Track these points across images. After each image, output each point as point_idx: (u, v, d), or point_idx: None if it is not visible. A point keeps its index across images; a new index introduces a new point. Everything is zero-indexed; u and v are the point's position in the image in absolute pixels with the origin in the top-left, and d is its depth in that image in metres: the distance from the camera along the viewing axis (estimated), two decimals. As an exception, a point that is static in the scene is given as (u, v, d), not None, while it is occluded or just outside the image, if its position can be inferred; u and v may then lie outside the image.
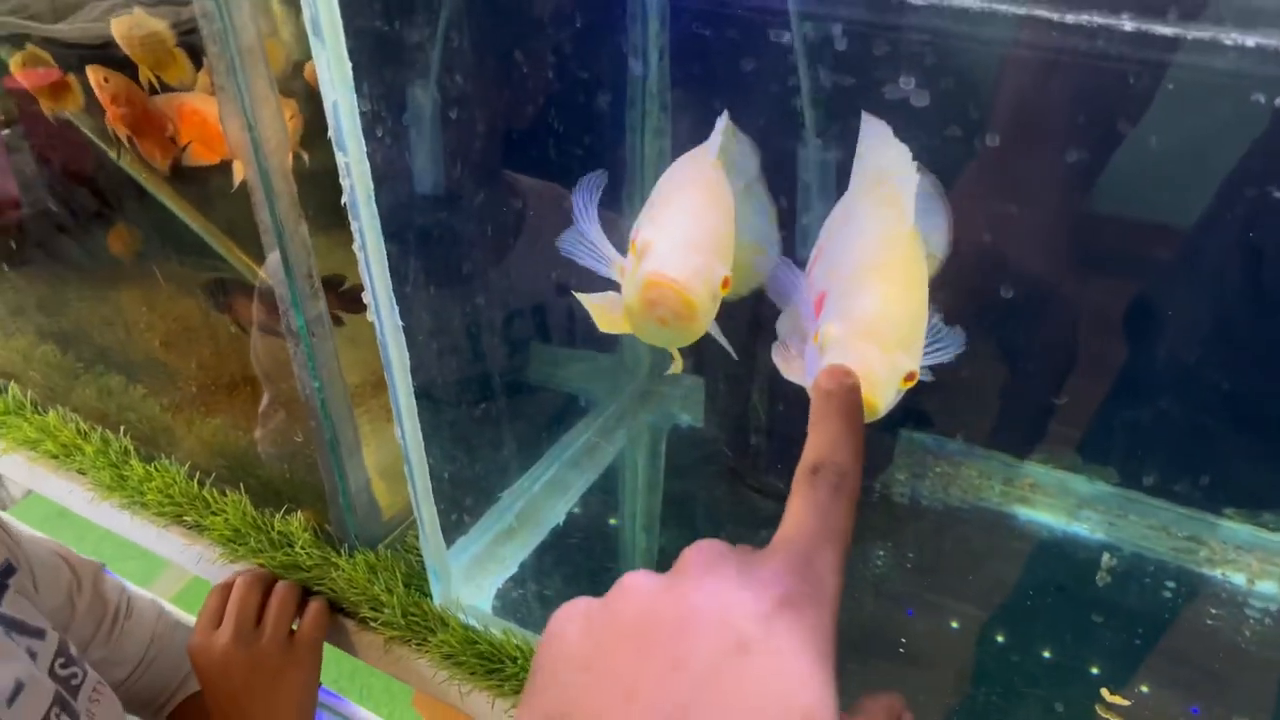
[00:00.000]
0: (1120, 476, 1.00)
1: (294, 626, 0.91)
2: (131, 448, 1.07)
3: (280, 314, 0.82)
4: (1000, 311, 0.86)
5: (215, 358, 1.12)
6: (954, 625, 0.94)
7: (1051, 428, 1.00)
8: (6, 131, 1.25)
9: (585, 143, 0.94)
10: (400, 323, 0.74)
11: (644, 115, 0.99)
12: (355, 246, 0.71)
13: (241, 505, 0.99)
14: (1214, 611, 0.92)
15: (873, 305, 0.52)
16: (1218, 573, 0.95)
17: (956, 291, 0.62)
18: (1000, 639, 0.93)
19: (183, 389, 1.12)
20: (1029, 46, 0.65)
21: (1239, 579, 0.94)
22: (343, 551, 0.94)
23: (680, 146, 1.01)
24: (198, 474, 1.03)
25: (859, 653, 0.93)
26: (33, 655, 0.76)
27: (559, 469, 1.05)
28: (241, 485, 1.00)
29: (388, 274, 0.72)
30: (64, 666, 0.78)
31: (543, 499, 1.01)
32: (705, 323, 0.61)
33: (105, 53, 1.04)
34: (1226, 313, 0.87)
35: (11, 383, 1.15)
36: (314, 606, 0.90)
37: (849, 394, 0.43)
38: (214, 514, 0.99)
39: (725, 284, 0.60)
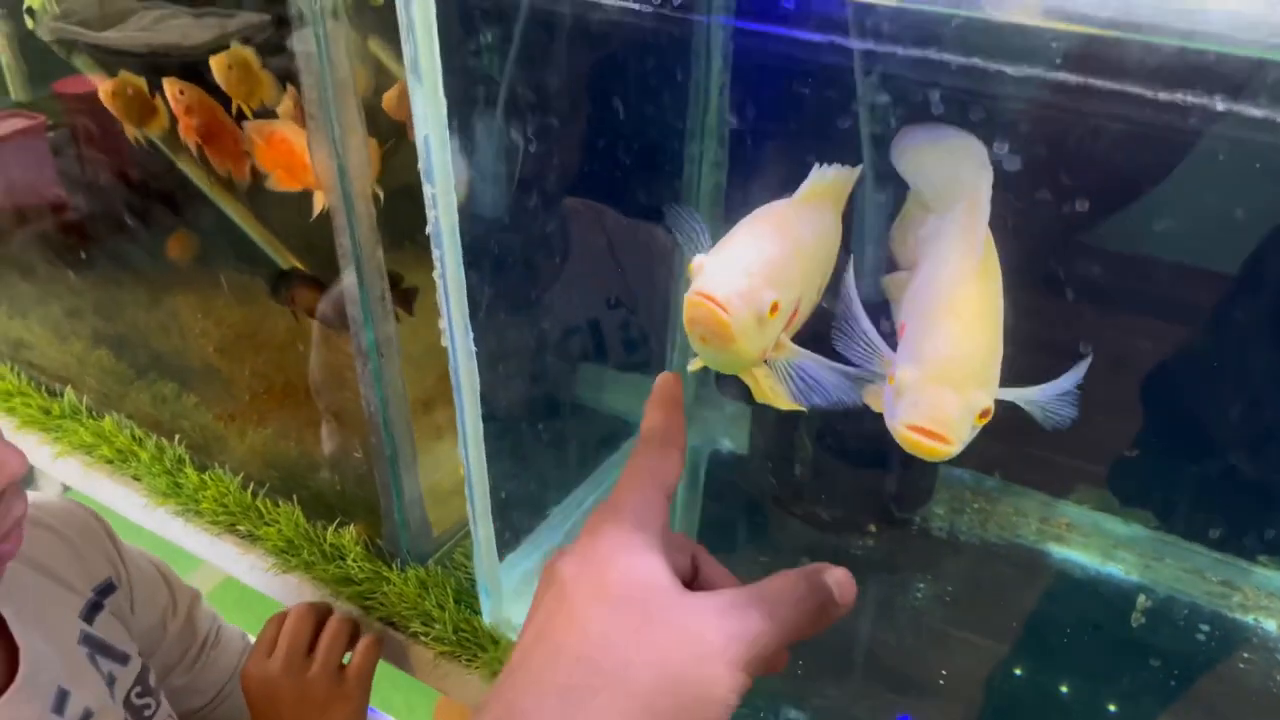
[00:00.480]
0: (1156, 519, 1.02)
1: (345, 660, 0.93)
2: (185, 456, 1.09)
3: (351, 333, 0.84)
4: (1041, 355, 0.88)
5: (269, 366, 1.15)
6: (989, 659, 0.96)
7: (1088, 469, 1.02)
8: (52, 134, 1.28)
9: (647, 174, 0.97)
10: (474, 348, 0.76)
11: (703, 148, 1.02)
12: (436, 274, 0.73)
13: (294, 516, 1.01)
14: (1246, 656, 0.94)
15: (944, 346, 0.53)
16: (1250, 618, 0.97)
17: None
18: (1034, 675, 0.94)
19: (236, 397, 1.14)
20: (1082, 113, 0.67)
21: (1270, 625, 0.96)
22: (394, 566, 0.96)
23: (735, 179, 1.04)
24: (251, 484, 1.05)
25: (896, 681, 0.95)
26: (111, 680, 0.77)
27: (607, 488, 1.06)
28: (295, 497, 1.02)
29: (465, 301, 0.74)
30: (140, 696, 0.79)
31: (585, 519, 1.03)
32: (750, 345, 0.62)
33: (154, 60, 1.07)
34: (1265, 363, 0.88)
35: (68, 387, 1.17)
36: (365, 640, 0.92)
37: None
38: (267, 524, 1.01)
39: (774, 309, 0.61)
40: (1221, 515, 0.97)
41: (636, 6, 0.73)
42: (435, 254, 0.73)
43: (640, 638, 0.41)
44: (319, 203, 0.78)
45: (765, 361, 0.66)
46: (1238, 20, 0.42)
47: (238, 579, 1.04)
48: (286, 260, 1.05)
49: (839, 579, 0.46)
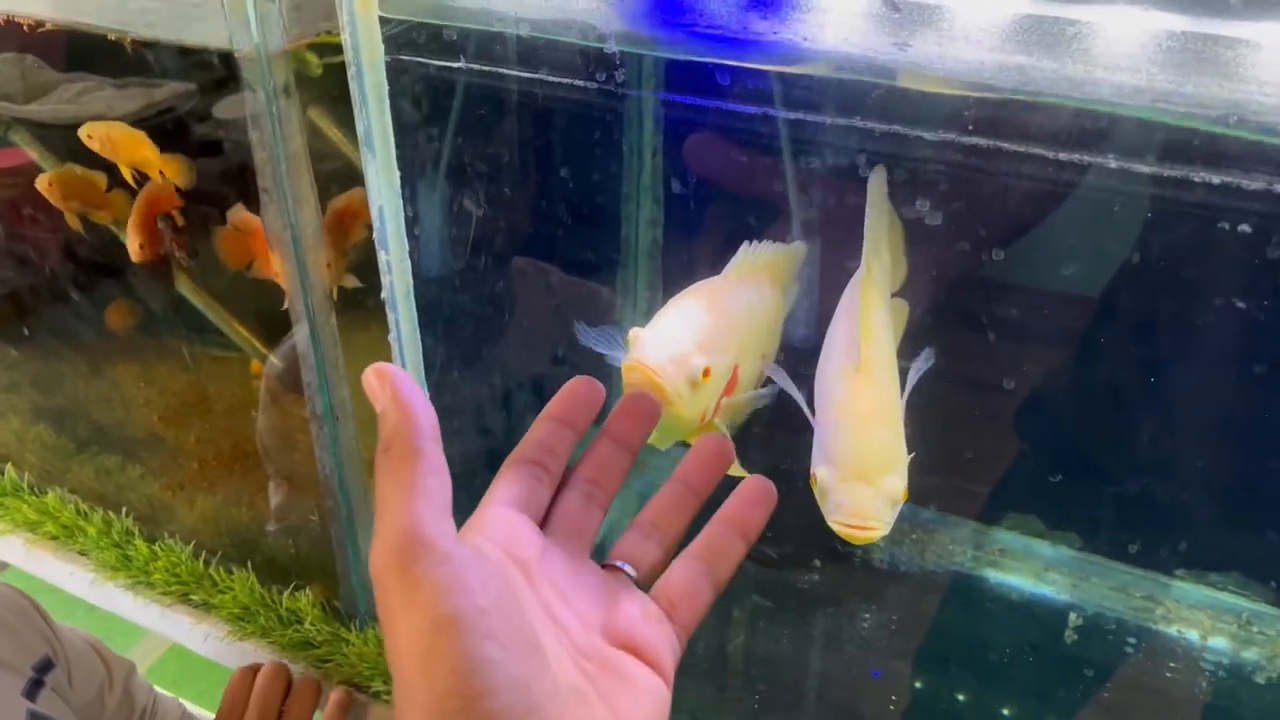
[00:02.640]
0: (1081, 541, 1.08)
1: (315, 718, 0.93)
2: (134, 528, 1.08)
3: (306, 397, 0.86)
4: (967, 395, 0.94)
5: (216, 432, 1.15)
6: (935, 682, 1.00)
7: (1015, 497, 1.08)
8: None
9: (589, 232, 1.01)
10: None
11: (639, 208, 1.06)
12: (391, 337, 0.76)
13: (249, 583, 1.01)
14: (1172, 666, 0.99)
15: (849, 444, 0.57)
16: (1174, 630, 1.02)
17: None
18: (979, 696, 0.99)
19: (184, 465, 1.14)
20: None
21: (1193, 635, 1.02)
22: (353, 627, 0.97)
23: (671, 235, 1.09)
24: (203, 553, 1.05)
25: (848, 709, 0.98)
26: None
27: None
28: (248, 562, 1.03)
29: (421, 363, 0.77)
30: None
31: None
32: (686, 408, 0.65)
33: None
34: (1168, 390, 0.95)
35: (8, 464, 1.16)
36: (334, 698, 0.92)
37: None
38: (221, 592, 1.01)
39: (706, 373, 0.65)
40: (1139, 533, 1.03)
41: (579, 82, 0.78)
42: (391, 317, 0.75)
43: None
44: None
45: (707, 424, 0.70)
46: (1122, 89, 0.47)
47: (186, 649, 1.04)
48: (236, 331, 1.07)
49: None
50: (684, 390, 0.64)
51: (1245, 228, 0.55)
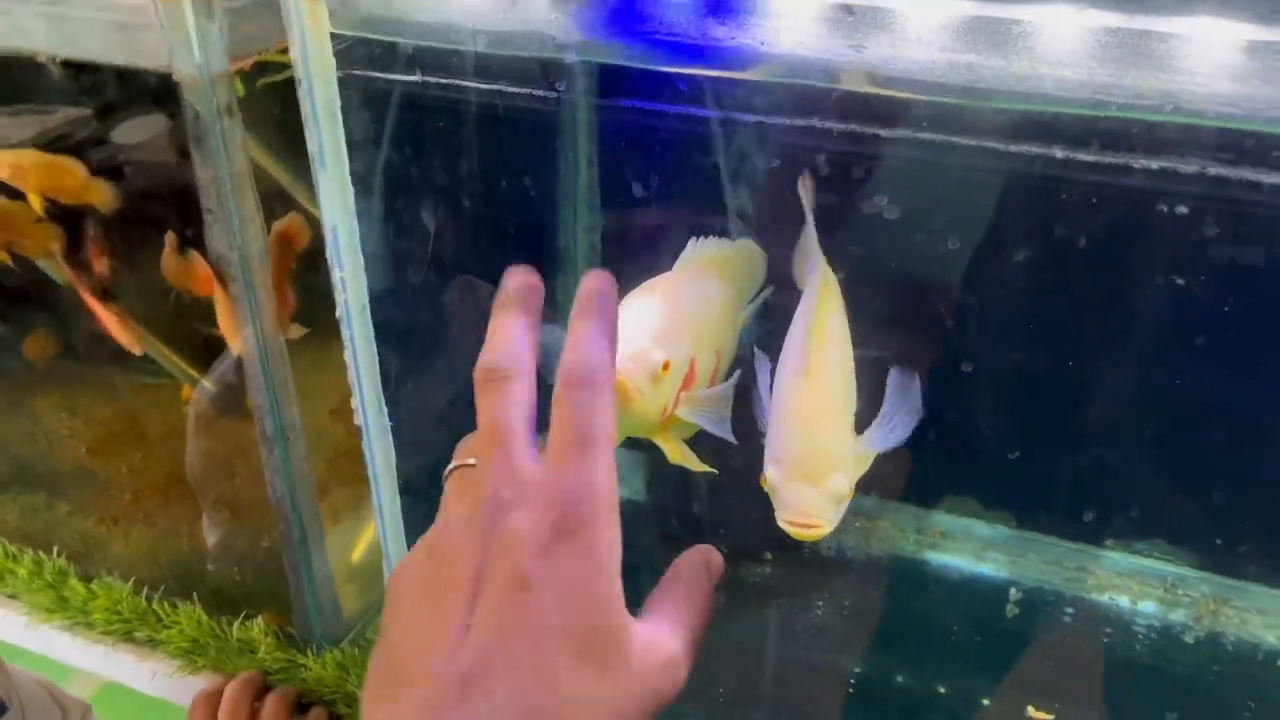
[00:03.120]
0: (1016, 520, 1.12)
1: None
2: (68, 567, 1.05)
3: (256, 420, 0.84)
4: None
5: (149, 461, 1.12)
6: (890, 662, 1.03)
7: (952, 480, 1.12)
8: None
9: (527, 240, 1.02)
10: (389, 423, 0.79)
11: (577, 214, 1.07)
12: (346, 354, 0.76)
13: (196, 615, 0.99)
14: (1109, 631, 1.04)
15: (795, 446, 0.60)
16: (1106, 597, 1.08)
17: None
18: (933, 672, 1.02)
19: (116, 498, 1.11)
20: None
21: (1124, 601, 1.07)
22: (309, 652, 0.95)
23: (609, 241, 1.10)
24: (144, 588, 1.02)
25: (809, 695, 1.01)
26: None
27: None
28: (194, 594, 1.00)
29: (378, 379, 0.76)
30: None
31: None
32: (647, 403, 0.67)
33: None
34: (1093, 373, 1.00)
35: (-75, 510, 1.11)
36: (314, 714, 0.90)
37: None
38: (167, 627, 0.98)
39: (666, 366, 0.66)
40: (1069, 509, 1.09)
41: (510, 89, 0.78)
42: (345, 334, 0.75)
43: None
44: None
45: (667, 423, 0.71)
46: (1065, 83, 0.50)
47: (123, 687, 1.00)
48: (165, 356, 1.04)
49: (701, 563, 0.46)
50: (645, 385, 0.65)
51: (1166, 208, 0.59)
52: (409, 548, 0.85)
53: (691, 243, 0.75)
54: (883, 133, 0.56)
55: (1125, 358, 0.97)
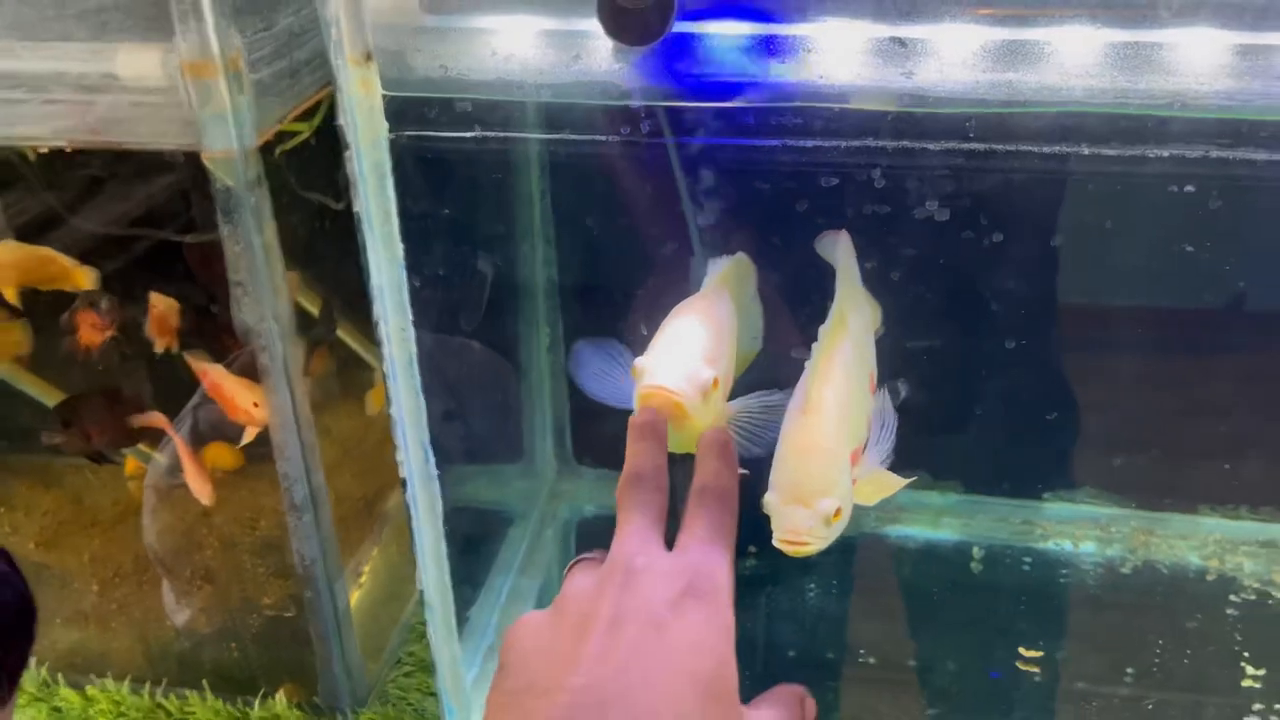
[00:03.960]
0: (964, 486, 1.23)
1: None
2: (48, 676, 0.98)
3: (284, 491, 0.83)
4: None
5: (111, 545, 1.07)
6: (881, 630, 1.11)
7: (903, 456, 1.21)
8: None
9: (486, 273, 1.04)
10: (435, 471, 0.79)
11: (534, 249, 1.10)
12: (391, 410, 0.76)
13: (210, 703, 0.95)
14: (1064, 573, 1.16)
15: (788, 474, 0.65)
16: (1053, 544, 1.19)
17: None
18: (921, 632, 1.10)
19: (81, 592, 1.05)
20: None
21: (1068, 545, 1.19)
22: (340, 718, 0.94)
23: (565, 271, 1.14)
24: (145, 683, 0.97)
25: (818, 669, 1.07)
26: None
27: (514, 578, 1.10)
28: (203, 681, 0.97)
29: (426, 431, 0.77)
30: None
31: (510, 609, 1.06)
32: (701, 419, 0.72)
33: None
34: (1017, 344, 1.11)
35: None
36: None
37: (718, 443, 0.54)
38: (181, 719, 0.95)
39: (715, 384, 0.71)
40: (1008, 469, 1.20)
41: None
42: (390, 388, 0.75)
43: None
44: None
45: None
46: (1092, 90, 0.59)
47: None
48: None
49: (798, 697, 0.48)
50: (698, 404, 0.69)
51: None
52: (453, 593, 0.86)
53: (712, 262, 0.80)
54: (932, 146, 0.63)
55: (1042, 330, 1.09)
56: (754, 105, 0.64)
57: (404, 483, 0.80)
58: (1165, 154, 0.60)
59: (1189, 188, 0.64)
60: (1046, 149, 0.60)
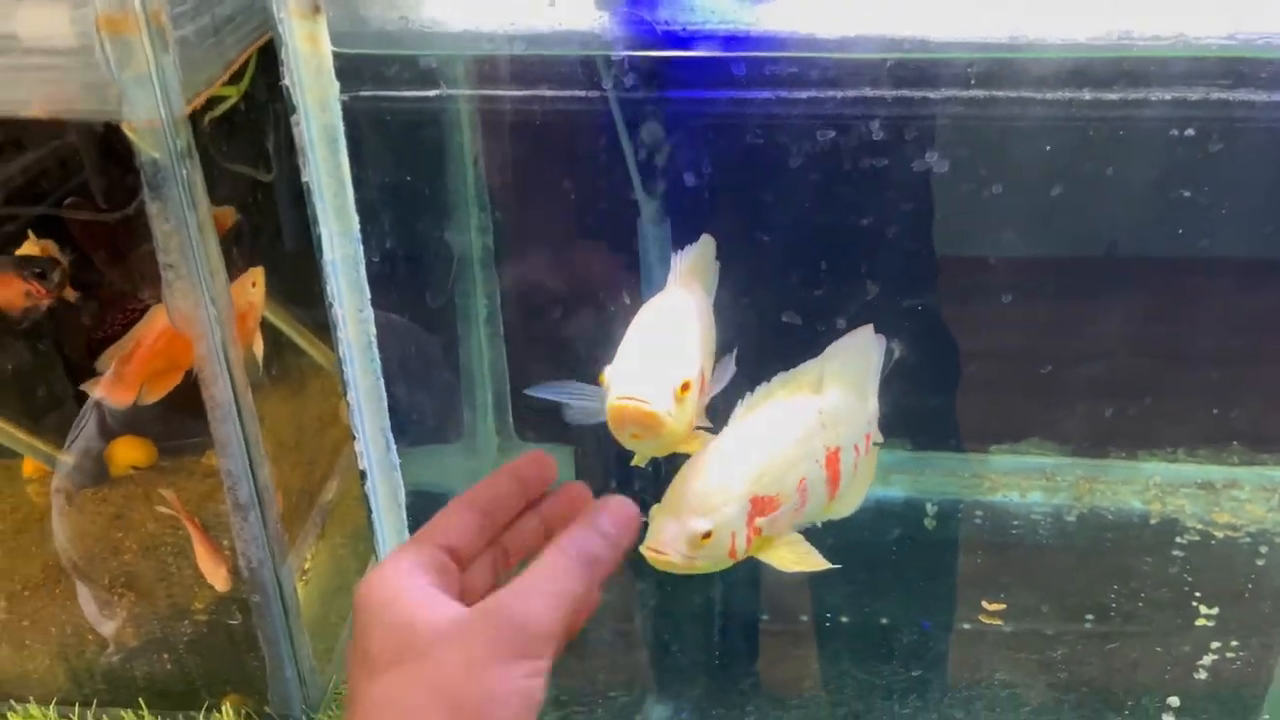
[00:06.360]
0: (912, 443, 1.22)
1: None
2: (-39, 706, 0.90)
3: (226, 488, 0.76)
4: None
5: (13, 558, 0.99)
6: (843, 594, 1.10)
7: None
8: None
9: (425, 242, 0.98)
10: (397, 460, 0.74)
11: (469, 216, 1.04)
12: (349, 396, 0.70)
13: (147, 720, 0.88)
14: (1015, 524, 1.17)
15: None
16: (999, 496, 1.20)
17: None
18: (879, 592, 1.10)
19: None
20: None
21: (1015, 496, 1.20)
22: (294, 727, 0.88)
23: (502, 238, 1.08)
24: (75, 705, 0.89)
25: (788, 636, 1.06)
26: None
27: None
28: (139, 698, 0.89)
29: (386, 417, 0.71)
30: None
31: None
32: (677, 424, 0.68)
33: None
34: (955, 297, 1.10)
35: None
36: None
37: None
38: (117, 741, 0.87)
39: (686, 386, 0.67)
40: (953, 424, 1.20)
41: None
42: (347, 373, 0.69)
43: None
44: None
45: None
46: (1093, 31, 0.56)
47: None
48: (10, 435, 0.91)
49: (607, 524, 0.45)
50: (673, 409, 0.66)
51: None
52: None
53: (675, 255, 0.76)
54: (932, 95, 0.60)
55: (989, 280, 1.09)
56: (739, 56, 0.60)
57: (363, 474, 0.74)
58: (1167, 97, 0.58)
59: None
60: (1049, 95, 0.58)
